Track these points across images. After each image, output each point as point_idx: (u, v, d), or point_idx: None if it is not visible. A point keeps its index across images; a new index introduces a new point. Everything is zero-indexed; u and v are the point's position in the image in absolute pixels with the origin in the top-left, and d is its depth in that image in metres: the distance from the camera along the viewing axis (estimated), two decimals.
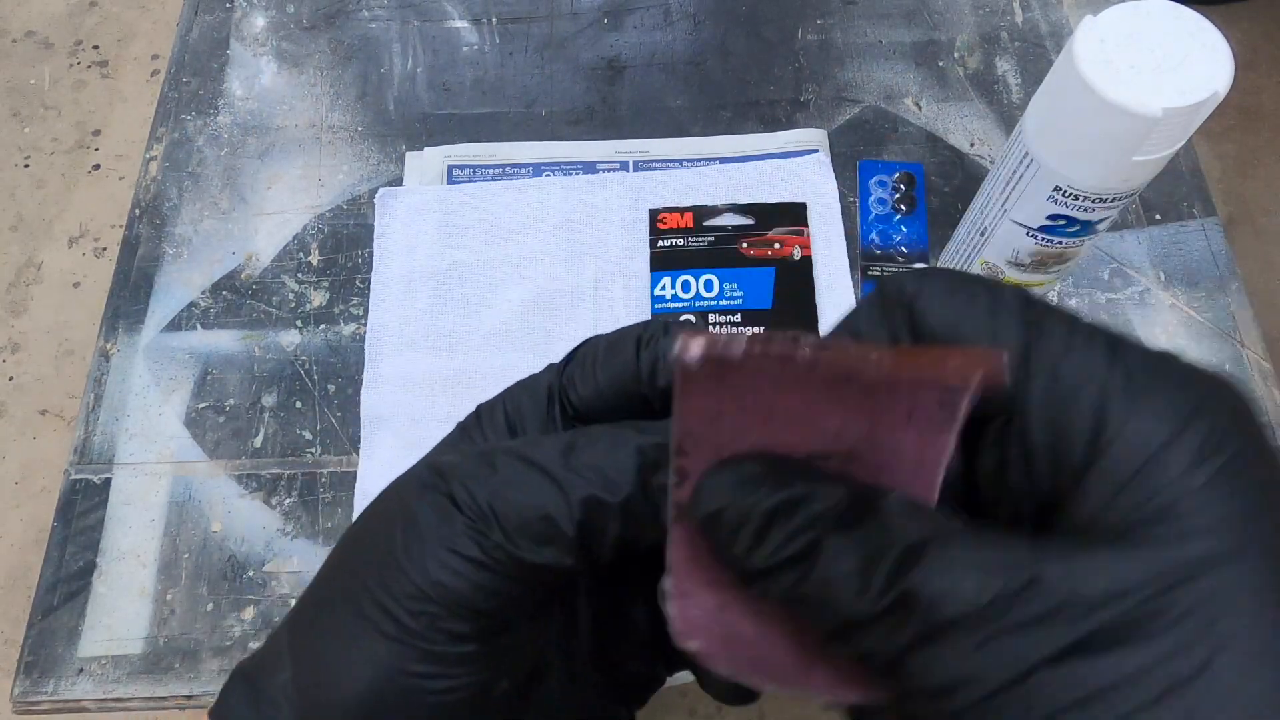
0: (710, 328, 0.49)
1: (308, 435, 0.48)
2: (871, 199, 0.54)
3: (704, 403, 0.16)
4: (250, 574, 0.45)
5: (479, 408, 0.22)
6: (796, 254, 0.51)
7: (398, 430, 0.47)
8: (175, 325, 0.51)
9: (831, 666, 0.17)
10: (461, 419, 0.22)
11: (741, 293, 0.50)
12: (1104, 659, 0.13)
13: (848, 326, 0.18)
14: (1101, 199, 0.39)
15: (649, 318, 0.50)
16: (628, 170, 0.55)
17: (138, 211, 0.55)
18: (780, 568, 0.16)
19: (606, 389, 0.20)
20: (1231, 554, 0.14)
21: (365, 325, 0.51)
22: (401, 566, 0.18)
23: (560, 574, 0.18)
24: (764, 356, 0.16)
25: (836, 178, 0.54)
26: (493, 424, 0.21)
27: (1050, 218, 0.41)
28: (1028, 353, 0.16)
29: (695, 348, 0.15)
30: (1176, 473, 0.15)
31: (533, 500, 0.18)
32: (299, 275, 0.53)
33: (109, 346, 0.51)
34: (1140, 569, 0.14)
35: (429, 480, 0.19)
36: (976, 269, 0.47)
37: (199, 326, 0.51)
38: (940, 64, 0.59)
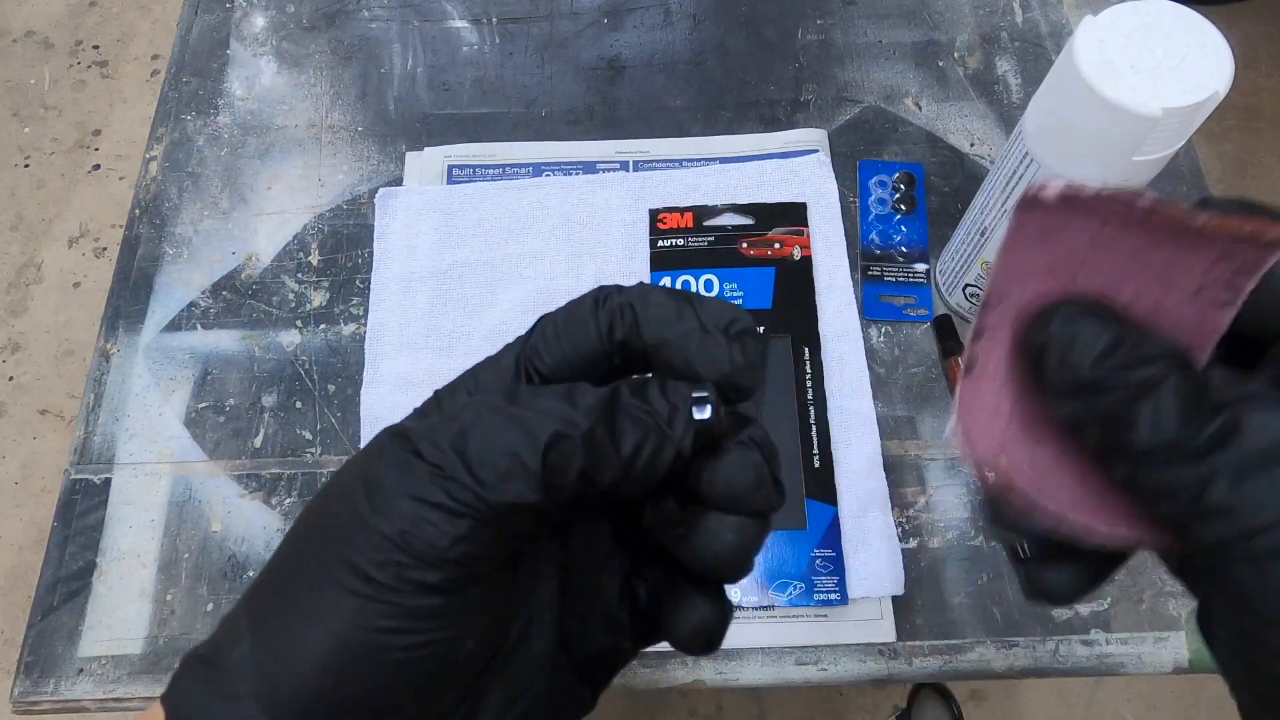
0: None
1: (308, 435, 0.48)
2: (871, 199, 0.54)
3: (1020, 259, 0.19)
4: (250, 574, 0.45)
5: (437, 392, 0.21)
6: (796, 254, 0.51)
7: None
8: (175, 325, 0.51)
9: (1117, 506, 0.19)
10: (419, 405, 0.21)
11: (741, 293, 0.50)
12: None
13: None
14: None
15: None
16: (628, 170, 0.55)
17: (138, 211, 0.55)
18: (1119, 386, 0.18)
19: (570, 354, 0.21)
20: None
21: (365, 325, 0.51)
22: (366, 522, 0.17)
23: (527, 516, 0.18)
24: (1110, 198, 0.18)
25: (836, 178, 0.54)
26: (453, 403, 0.21)
27: None
28: None
29: (1051, 187, 0.19)
30: None
31: (497, 440, 0.18)
32: (299, 275, 0.53)
33: (109, 346, 0.51)
34: None
35: (388, 442, 0.19)
36: (976, 269, 0.47)
37: (199, 326, 0.51)
38: (940, 64, 0.59)
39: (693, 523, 0.20)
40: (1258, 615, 0.16)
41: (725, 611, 0.22)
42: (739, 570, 0.20)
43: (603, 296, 0.21)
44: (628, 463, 0.18)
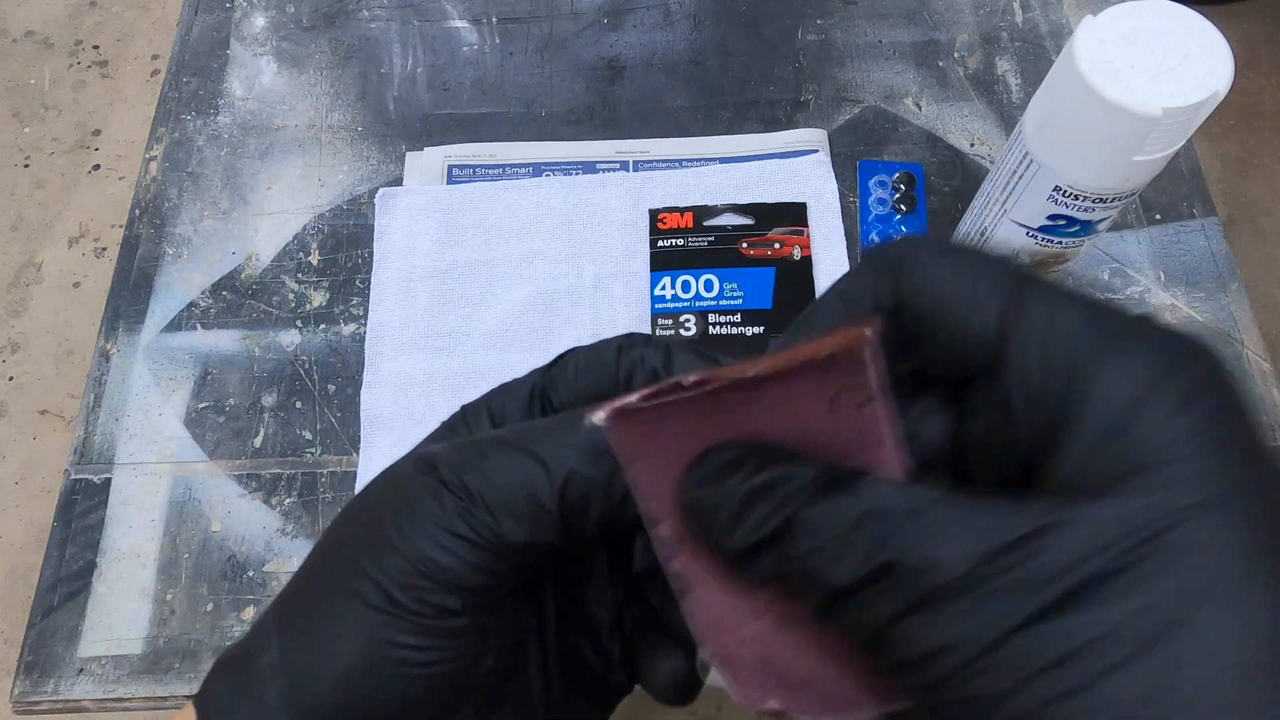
0: (710, 328, 0.49)
1: (308, 435, 0.48)
2: (871, 199, 0.54)
3: (643, 473, 0.17)
4: (250, 574, 0.45)
5: (464, 408, 0.22)
6: (796, 254, 0.51)
7: (397, 430, 0.47)
8: (175, 325, 0.51)
9: (853, 676, 0.17)
10: (446, 418, 0.22)
11: (741, 293, 0.50)
12: (1084, 615, 0.13)
13: (837, 291, 0.19)
14: (1101, 199, 0.39)
15: (649, 318, 0.50)
16: (628, 170, 0.55)
17: (138, 211, 0.55)
18: (762, 545, 0.16)
19: (585, 392, 0.21)
20: (1213, 502, 0.14)
21: (365, 325, 0.51)
22: (394, 544, 0.18)
23: (545, 551, 0.19)
24: (659, 393, 0.16)
25: (836, 178, 0.54)
26: (478, 423, 0.22)
27: (1050, 218, 0.41)
28: (1007, 314, 0.16)
29: (599, 412, 0.16)
30: (1155, 424, 0.14)
31: (517, 480, 0.18)
32: (299, 275, 0.53)
33: (109, 346, 0.51)
34: (1119, 520, 0.14)
35: (420, 467, 0.19)
36: None
37: (199, 326, 0.51)
38: (940, 64, 0.59)
39: None
40: None
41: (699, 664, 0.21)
42: None
43: (628, 344, 0.21)
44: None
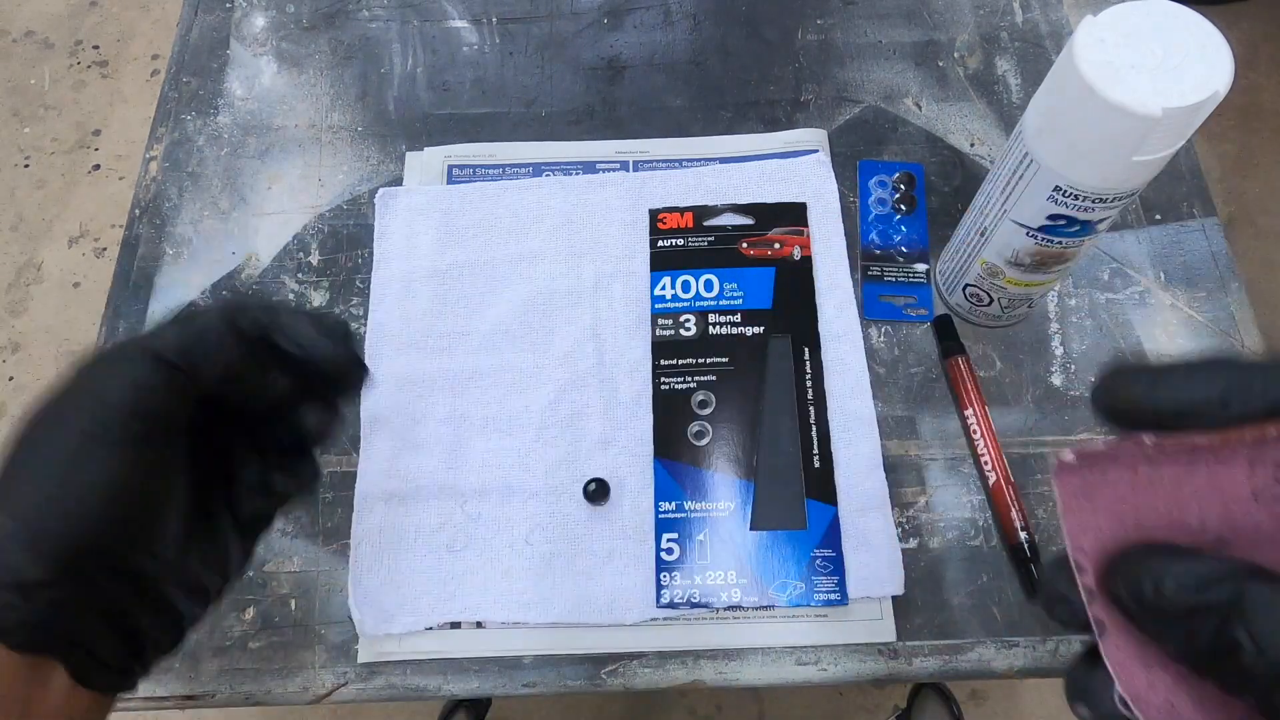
0: (710, 328, 0.49)
1: None
2: (872, 199, 0.54)
3: (1081, 520, 0.20)
4: (250, 574, 0.45)
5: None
6: (796, 254, 0.51)
7: (397, 430, 0.47)
8: None
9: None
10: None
11: (742, 293, 0.50)
12: None
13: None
14: (1101, 199, 0.39)
15: (648, 318, 0.50)
16: (628, 170, 0.55)
17: (138, 211, 0.55)
18: (1210, 653, 0.18)
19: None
20: None
21: (365, 325, 0.51)
22: (90, 389, 0.24)
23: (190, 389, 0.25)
24: (1120, 447, 0.19)
25: (836, 178, 0.54)
26: None
27: (1050, 218, 0.41)
28: None
29: (1068, 452, 0.20)
30: None
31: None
32: (299, 275, 0.53)
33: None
34: None
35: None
36: (976, 269, 0.47)
37: None
38: (940, 64, 0.60)
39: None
40: None
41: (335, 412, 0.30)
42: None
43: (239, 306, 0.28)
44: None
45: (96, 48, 1.57)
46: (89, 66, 1.56)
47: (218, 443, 0.28)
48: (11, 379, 1.31)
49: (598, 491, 0.46)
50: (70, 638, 0.22)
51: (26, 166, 1.47)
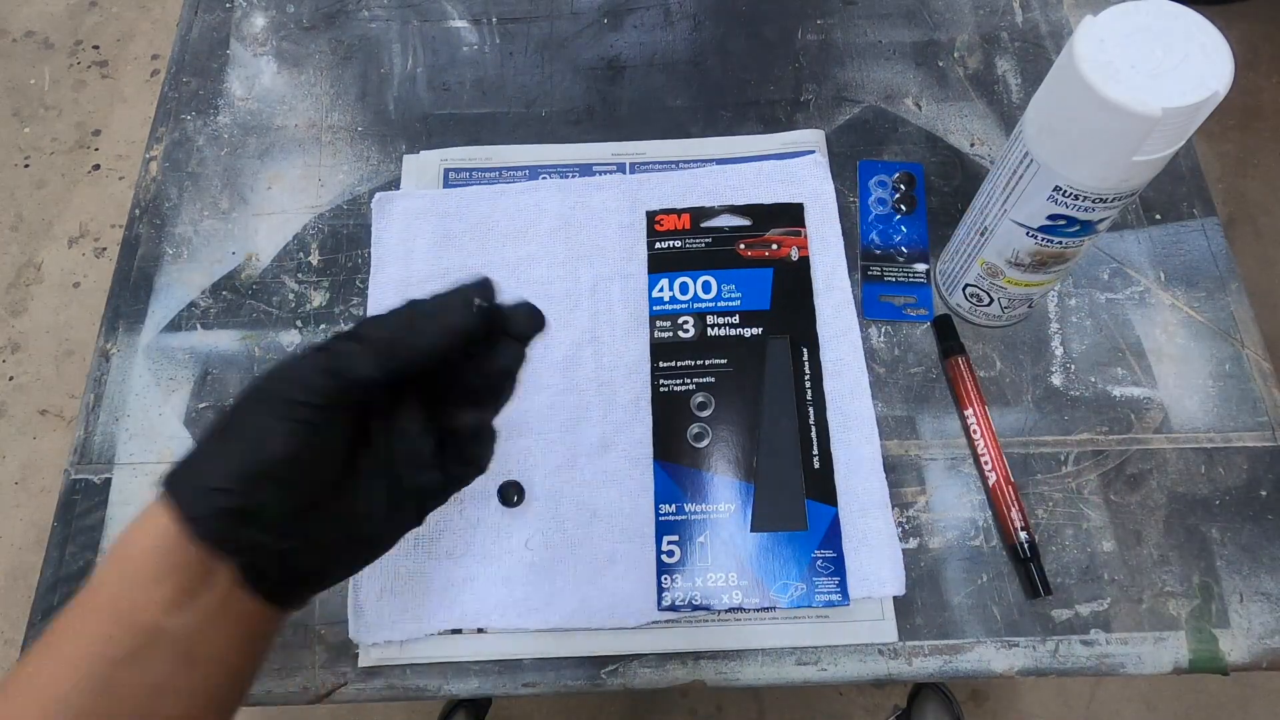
0: (708, 329, 0.49)
1: None
2: (871, 199, 0.54)
3: None
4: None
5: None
6: (794, 255, 0.51)
7: None
8: (175, 325, 0.51)
9: None
10: None
11: (739, 294, 0.50)
12: None
13: None
14: (1101, 199, 0.39)
15: (647, 320, 0.50)
16: (624, 172, 0.55)
17: (138, 211, 0.55)
18: None
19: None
20: None
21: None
22: (283, 373, 0.28)
23: (373, 384, 0.29)
24: None
25: (836, 178, 0.54)
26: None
27: (1050, 218, 0.41)
28: None
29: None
30: None
31: (360, 341, 0.29)
32: (299, 275, 0.53)
33: (109, 346, 0.51)
34: None
35: (302, 350, 0.31)
36: (976, 269, 0.47)
37: (199, 327, 0.51)
38: (940, 64, 0.59)
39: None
40: None
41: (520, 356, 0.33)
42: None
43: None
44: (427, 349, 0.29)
45: (96, 48, 1.57)
46: (89, 66, 1.56)
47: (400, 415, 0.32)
48: (11, 379, 1.31)
49: (508, 491, 0.46)
50: (241, 541, 0.27)
51: (26, 166, 1.47)
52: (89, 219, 1.43)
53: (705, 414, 0.47)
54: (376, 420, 0.31)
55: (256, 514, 0.27)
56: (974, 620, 0.44)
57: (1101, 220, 0.40)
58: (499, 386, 0.34)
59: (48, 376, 1.32)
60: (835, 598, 0.43)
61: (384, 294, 0.51)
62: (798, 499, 0.45)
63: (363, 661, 0.43)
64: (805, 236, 0.52)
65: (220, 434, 0.28)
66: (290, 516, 0.28)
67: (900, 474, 0.47)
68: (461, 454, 0.33)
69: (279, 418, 0.27)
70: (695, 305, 0.50)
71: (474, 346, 0.31)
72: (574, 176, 0.55)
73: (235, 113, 0.58)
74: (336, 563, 0.31)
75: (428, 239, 0.52)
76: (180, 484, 0.28)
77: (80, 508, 0.47)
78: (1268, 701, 1.08)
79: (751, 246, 0.51)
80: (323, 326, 0.51)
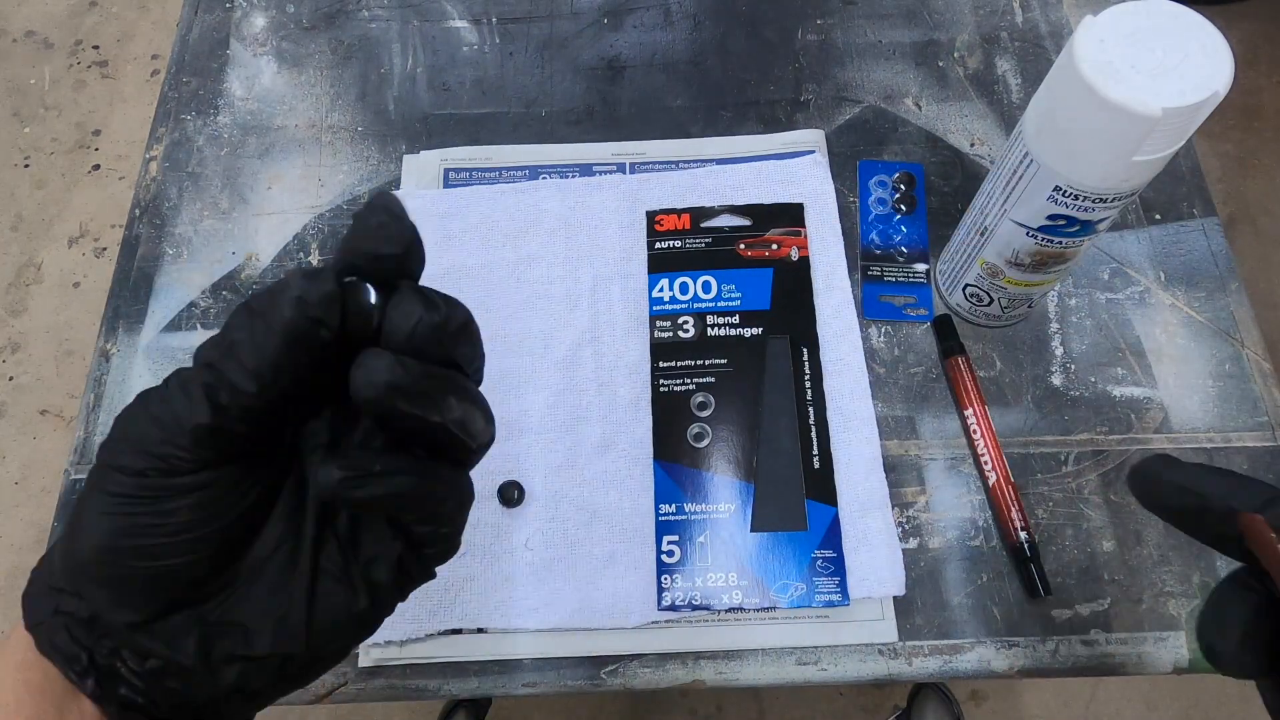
0: (708, 329, 0.49)
1: None
2: (871, 199, 0.54)
3: None
4: None
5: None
6: (794, 255, 0.51)
7: None
8: (175, 325, 0.51)
9: None
10: None
11: (739, 294, 0.50)
12: None
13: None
14: (1101, 199, 0.39)
15: (647, 320, 0.50)
16: (624, 172, 0.55)
17: (138, 211, 0.55)
18: None
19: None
20: None
21: None
22: (117, 433, 0.21)
23: (267, 404, 0.21)
24: None
25: (836, 178, 0.54)
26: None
27: (1050, 218, 0.41)
28: None
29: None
30: None
31: (188, 382, 0.21)
32: None
33: (109, 346, 0.51)
34: None
35: (142, 393, 0.22)
36: (976, 269, 0.47)
37: (199, 326, 0.51)
38: (940, 64, 0.59)
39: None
40: None
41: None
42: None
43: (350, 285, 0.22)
44: (257, 371, 0.20)
45: (96, 48, 1.57)
46: (89, 66, 1.56)
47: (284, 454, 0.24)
48: (11, 379, 1.31)
49: (508, 491, 0.46)
50: (94, 656, 0.22)
51: (26, 166, 1.47)
52: (89, 219, 1.43)
53: (705, 414, 0.47)
54: (289, 468, 0.23)
55: (97, 622, 0.21)
56: (974, 620, 0.44)
57: (1101, 220, 0.40)
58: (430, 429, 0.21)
59: (48, 376, 1.32)
60: (835, 598, 0.43)
61: None
62: (798, 499, 0.45)
63: (363, 661, 0.43)
64: (805, 236, 0.52)
65: (68, 519, 0.22)
66: (154, 619, 0.21)
67: (900, 474, 0.47)
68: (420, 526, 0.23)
69: (110, 493, 0.21)
70: (695, 305, 0.50)
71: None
72: (574, 176, 0.55)
73: (235, 113, 0.58)
74: (242, 686, 0.23)
75: (428, 239, 0.52)
76: (32, 586, 0.23)
77: None
78: None
79: (751, 246, 0.51)
80: None
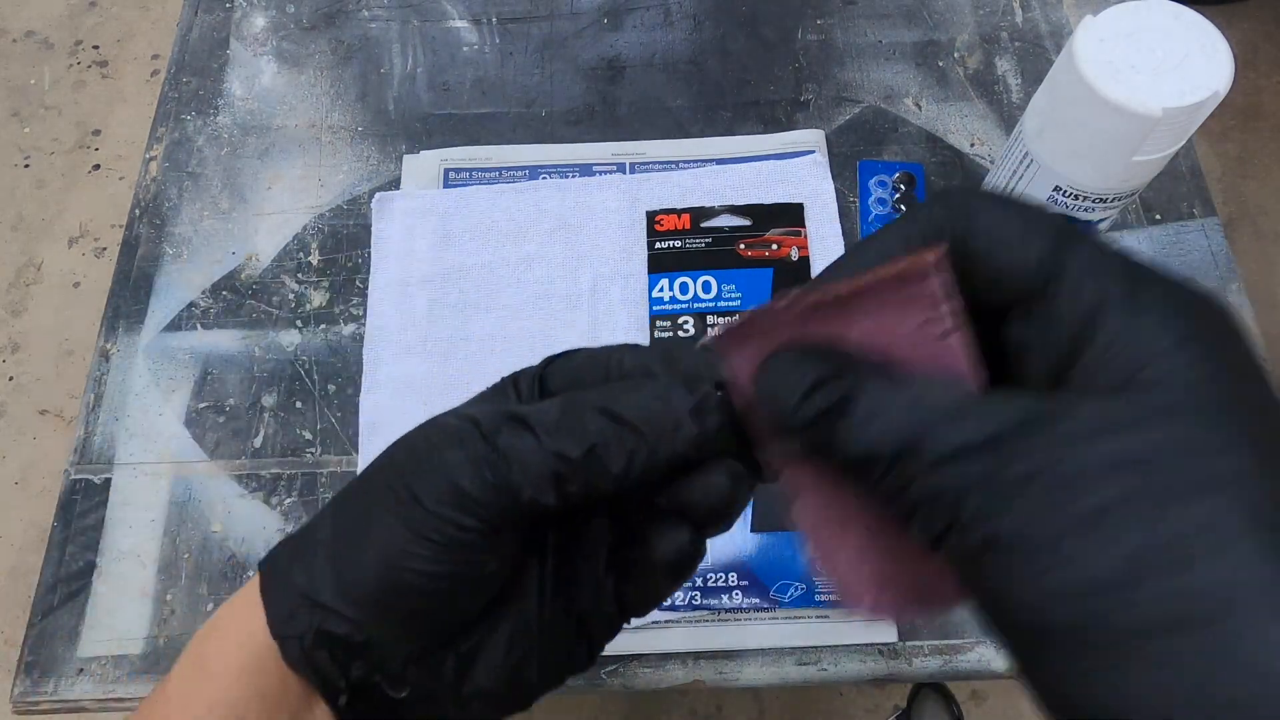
0: (707, 330, 0.49)
1: (308, 435, 0.48)
2: (872, 199, 0.54)
3: (744, 363, 0.21)
4: (250, 574, 0.45)
5: (514, 375, 0.26)
6: (794, 255, 0.51)
7: (397, 434, 0.47)
8: (175, 325, 0.51)
9: (931, 575, 0.20)
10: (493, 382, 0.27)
11: (739, 294, 0.50)
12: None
13: (899, 228, 0.21)
14: (1102, 199, 0.39)
15: (647, 320, 0.50)
16: (624, 172, 0.55)
17: (138, 211, 0.55)
18: (818, 419, 0.19)
19: (577, 381, 0.25)
20: (1192, 407, 0.16)
21: (364, 327, 0.51)
22: (434, 466, 0.22)
23: (546, 510, 0.23)
24: (765, 312, 0.21)
25: (836, 178, 0.54)
26: (505, 394, 0.26)
27: None
28: (1055, 253, 0.19)
29: (710, 332, 0.20)
30: (1158, 351, 0.17)
31: (536, 456, 0.22)
32: (299, 275, 0.53)
33: (109, 346, 0.51)
34: (1101, 414, 0.16)
35: (463, 419, 0.23)
36: None
37: (199, 326, 0.51)
38: (940, 64, 0.59)
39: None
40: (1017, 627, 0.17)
41: (699, 546, 0.25)
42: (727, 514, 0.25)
43: (629, 347, 0.25)
44: (620, 478, 0.22)
45: (96, 48, 1.57)
46: (89, 66, 1.56)
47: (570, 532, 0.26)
48: (11, 379, 1.31)
49: None
50: (349, 679, 0.23)
51: (27, 166, 1.47)
52: (89, 219, 1.43)
53: None
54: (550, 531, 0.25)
55: (368, 649, 0.22)
56: (974, 620, 0.44)
57: (1101, 220, 0.40)
58: (719, 509, 0.24)
59: (48, 376, 1.32)
60: (836, 597, 0.43)
61: (384, 294, 0.51)
62: None
63: None
64: (805, 236, 0.52)
65: (339, 525, 0.23)
66: (415, 658, 0.23)
67: None
68: (646, 582, 0.25)
69: (420, 533, 0.22)
70: (695, 305, 0.50)
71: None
72: (574, 176, 0.55)
73: (235, 113, 0.58)
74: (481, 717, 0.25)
75: (428, 239, 0.52)
76: (276, 582, 0.23)
77: (80, 508, 0.47)
78: None
79: (751, 246, 0.51)
80: (322, 326, 0.51)
